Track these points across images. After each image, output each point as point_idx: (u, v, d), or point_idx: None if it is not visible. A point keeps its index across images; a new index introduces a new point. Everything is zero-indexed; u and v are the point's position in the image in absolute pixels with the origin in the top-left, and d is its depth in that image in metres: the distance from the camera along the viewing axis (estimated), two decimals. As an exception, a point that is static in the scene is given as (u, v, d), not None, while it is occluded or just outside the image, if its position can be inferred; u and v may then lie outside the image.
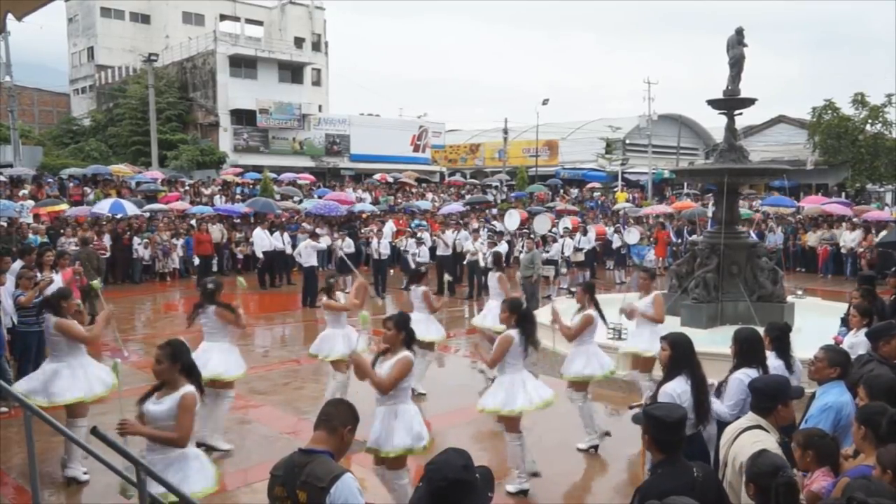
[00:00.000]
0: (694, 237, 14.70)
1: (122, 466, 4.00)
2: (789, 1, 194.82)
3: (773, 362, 4.87)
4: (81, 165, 29.11)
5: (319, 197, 25.14)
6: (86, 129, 41.54)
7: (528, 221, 20.99)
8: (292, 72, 40.92)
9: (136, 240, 18.43)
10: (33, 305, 8.41)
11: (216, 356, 6.77)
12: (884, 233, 18.66)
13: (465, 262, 17.06)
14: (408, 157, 43.26)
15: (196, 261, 18.61)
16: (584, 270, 18.28)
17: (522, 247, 15.73)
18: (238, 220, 21.53)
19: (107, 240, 17.66)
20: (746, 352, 4.72)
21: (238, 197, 25.54)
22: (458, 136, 52.73)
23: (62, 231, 16.86)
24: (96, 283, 7.26)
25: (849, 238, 20.10)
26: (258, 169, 31.82)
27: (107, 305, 6.61)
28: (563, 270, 17.55)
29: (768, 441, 3.63)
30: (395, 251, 19.09)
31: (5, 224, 16.44)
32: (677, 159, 40.43)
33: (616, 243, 20.84)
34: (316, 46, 44.85)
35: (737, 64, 11.49)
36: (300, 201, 24.91)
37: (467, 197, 29.87)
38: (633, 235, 19.92)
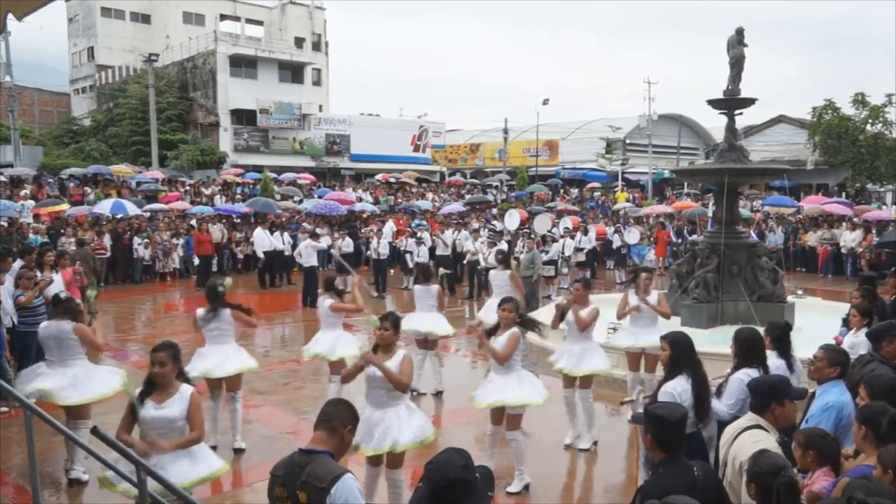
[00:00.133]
0: (694, 237, 14.68)
1: (128, 470, 3.99)
2: (789, 1, 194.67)
3: (774, 362, 4.87)
4: (82, 165, 29.14)
5: (319, 197, 25.13)
6: (86, 129, 41.54)
7: (528, 221, 20.98)
8: (292, 72, 40.94)
9: (136, 240, 18.43)
10: (33, 305, 8.42)
11: (233, 354, 6.86)
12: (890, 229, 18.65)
13: (465, 262, 17.09)
14: (408, 157, 43.27)
15: (196, 261, 18.61)
16: (584, 270, 18.28)
17: (523, 247, 15.72)
18: (238, 220, 21.52)
19: (107, 240, 17.65)
20: (747, 352, 4.73)
21: (238, 197, 25.56)
22: (459, 136, 52.75)
23: (63, 231, 16.85)
24: (91, 292, 7.29)
25: (849, 238, 20.10)
26: (258, 169, 31.82)
27: (93, 316, 6.75)
28: (564, 270, 17.59)
29: (768, 441, 3.63)
30: (395, 251, 19.12)
31: (6, 224, 16.45)
32: (677, 159, 40.41)
33: (616, 243, 20.83)
34: (316, 46, 44.86)
35: (737, 64, 11.48)
36: (300, 201, 24.92)
37: (467, 197, 29.90)
38: (633, 235, 19.93)
